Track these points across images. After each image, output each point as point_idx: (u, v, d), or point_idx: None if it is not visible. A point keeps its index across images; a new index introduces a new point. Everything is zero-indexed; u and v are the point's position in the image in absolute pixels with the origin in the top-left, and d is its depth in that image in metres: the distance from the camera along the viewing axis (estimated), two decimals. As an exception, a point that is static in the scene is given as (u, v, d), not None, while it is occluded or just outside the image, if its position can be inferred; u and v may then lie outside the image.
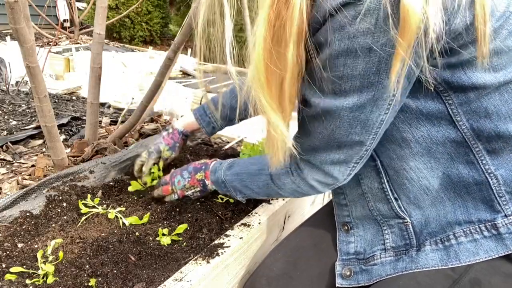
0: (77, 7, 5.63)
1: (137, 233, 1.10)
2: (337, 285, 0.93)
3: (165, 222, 1.18)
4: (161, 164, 1.36)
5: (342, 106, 0.72)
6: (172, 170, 1.24)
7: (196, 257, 0.99)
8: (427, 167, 0.80)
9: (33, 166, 1.61)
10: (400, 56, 0.63)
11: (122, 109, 2.63)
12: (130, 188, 1.33)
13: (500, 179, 0.75)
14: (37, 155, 1.75)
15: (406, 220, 0.86)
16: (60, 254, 1.00)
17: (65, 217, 1.17)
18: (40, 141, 1.96)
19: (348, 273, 0.93)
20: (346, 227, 0.97)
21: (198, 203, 1.26)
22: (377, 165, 0.85)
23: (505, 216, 0.75)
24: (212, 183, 1.12)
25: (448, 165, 0.78)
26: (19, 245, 1.05)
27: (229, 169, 1.08)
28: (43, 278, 0.94)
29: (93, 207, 1.21)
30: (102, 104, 2.77)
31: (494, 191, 0.76)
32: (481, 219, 0.77)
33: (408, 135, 0.78)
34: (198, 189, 1.16)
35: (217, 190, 1.14)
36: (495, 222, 0.76)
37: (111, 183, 1.39)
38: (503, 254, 0.74)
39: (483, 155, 0.76)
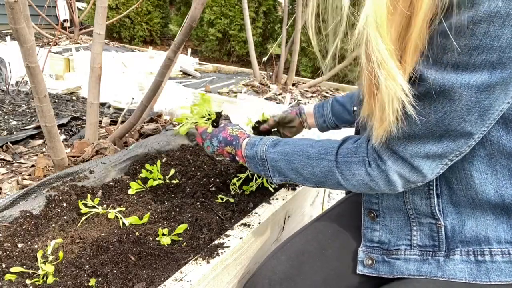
0: (77, 7, 5.63)
1: (137, 233, 1.10)
2: (357, 271, 0.92)
3: (165, 222, 1.18)
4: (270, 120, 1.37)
5: (467, 84, 0.61)
6: (203, 129, 1.14)
7: (196, 257, 0.99)
8: (481, 177, 0.75)
9: (33, 166, 1.61)
10: None
11: (122, 109, 2.63)
12: (130, 191, 1.33)
13: None
14: (37, 155, 1.75)
15: (439, 223, 0.82)
16: (60, 254, 1.00)
17: (65, 217, 1.17)
18: (40, 141, 1.96)
19: (370, 262, 0.91)
20: (372, 214, 0.93)
21: (198, 203, 1.26)
22: None
23: None
24: (245, 158, 1.01)
25: (504, 183, 0.74)
26: (19, 245, 1.05)
27: (273, 147, 0.96)
28: (43, 278, 0.94)
29: (93, 207, 1.21)
30: (102, 104, 2.77)
31: None
32: None
33: None
34: (227, 158, 1.09)
35: (247, 165, 1.03)
36: None
37: (111, 183, 1.39)
38: None
39: None
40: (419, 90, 0.66)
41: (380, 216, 0.92)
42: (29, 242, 1.06)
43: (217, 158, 1.12)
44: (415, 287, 0.81)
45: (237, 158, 1.06)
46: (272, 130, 1.40)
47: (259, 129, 1.39)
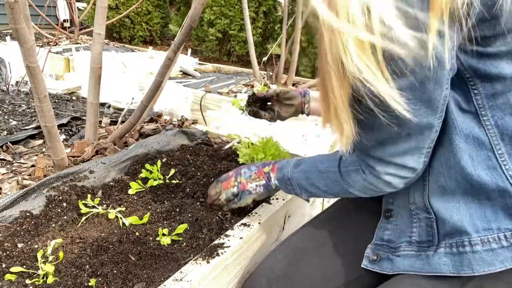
0: (77, 7, 5.63)
1: (137, 233, 1.10)
2: (362, 265, 0.93)
3: (165, 222, 1.18)
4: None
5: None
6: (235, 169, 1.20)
7: (196, 257, 0.99)
8: (447, 165, 0.77)
9: (33, 166, 1.61)
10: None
11: (122, 109, 2.62)
12: (130, 191, 1.33)
13: None
14: (37, 155, 1.75)
15: (431, 216, 0.83)
16: (60, 254, 1.00)
17: (65, 217, 1.17)
18: (40, 141, 1.96)
19: (376, 258, 0.92)
20: (387, 214, 0.95)
21: (198, 203, 1.26)
22: None
23: None
24: (277, 180, 1.08)
25: (469, 171, 0.75)
26: (19, 245, 1.05)
27: (296, 167, 1.03)
28: (43, 278, 0.94)
29: (93, 207, 1.21)
30: (102, 104, 2.77)
31: None
32: (500, 227, 0.73)
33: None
34: (263, 182, 1.10)
35: (280, 188, 1.10)
36: None
37: (111, 183, 1.39)
38: None
39: (505, 160, 0.73)
40: (369, 105, 0.71)
41: (393, 215, 0.93)
42: (29, 242, 1.06)
43: (250, 186, 1.13)
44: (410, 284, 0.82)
45: (271, 177, 1.09)
46: (268, 106, 1.36)
47: (254, 98, 1.35)
